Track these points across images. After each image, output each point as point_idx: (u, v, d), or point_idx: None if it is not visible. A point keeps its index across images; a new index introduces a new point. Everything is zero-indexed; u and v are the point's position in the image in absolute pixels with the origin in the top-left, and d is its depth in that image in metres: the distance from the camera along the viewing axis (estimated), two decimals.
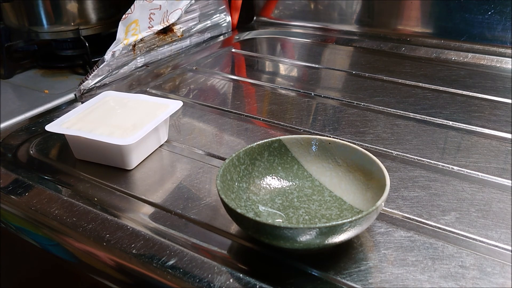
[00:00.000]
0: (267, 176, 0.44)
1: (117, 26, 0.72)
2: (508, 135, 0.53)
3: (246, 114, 0.61)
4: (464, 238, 0.38)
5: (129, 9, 0.72)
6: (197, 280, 0.35)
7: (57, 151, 0.55)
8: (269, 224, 0.33)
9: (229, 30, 0.95)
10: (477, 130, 0.55)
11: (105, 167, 0.50)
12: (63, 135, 0.52)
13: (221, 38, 0.92)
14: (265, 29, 0.96)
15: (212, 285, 0.34)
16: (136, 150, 0.49)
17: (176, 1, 0.79)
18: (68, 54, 0.87)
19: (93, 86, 0.70)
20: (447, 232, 0.39)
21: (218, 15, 0.92)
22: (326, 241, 0.33)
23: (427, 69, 0.73)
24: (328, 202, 0.41)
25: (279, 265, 0.36)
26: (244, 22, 0.98)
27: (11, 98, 0.75)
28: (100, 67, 0.69)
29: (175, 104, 0.54)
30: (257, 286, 0.34)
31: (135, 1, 0.73)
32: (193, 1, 0.82)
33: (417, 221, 0.40)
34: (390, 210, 0.42)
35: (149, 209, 0.43)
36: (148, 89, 0.70)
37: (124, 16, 0.72)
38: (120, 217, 0.42)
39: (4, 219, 0.46)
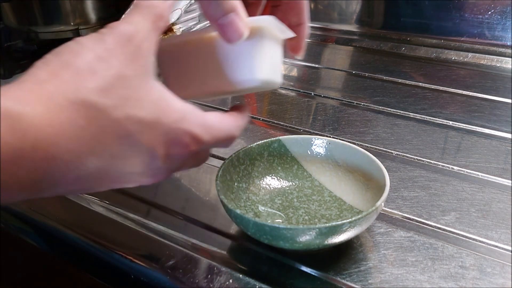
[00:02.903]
0: (267, 176, 0.43)
1: None
2: (508, 135, 0.53)
3: None
4: (464, 238, 0.38)
5: (129, 9, 0.72)
6: (197, 281, 0.35)
7: None
8: (268, 225, 0.33)
9: None
10: (477, 130, 0.55)
11: None
12: None
13: None
14: None
15: (211, 285, 0.34)
16: None
17: (176, 1, 0.79)
18: None
19: None
20: (447, 232, 0.39)
21: None
22: (326, 242, 0.33)
23: (427, 69, 0.73)
24: (327, 202, 0.41)
25: (278, 265, 0.36)
26: None
27: None
28: None
29: None
30: (257, 287, 0.34)
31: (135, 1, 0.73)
32: (192, 1, 0.82)
33: (417, 221, 0.40)
34: (390, 210, 0.42)
35: (149, 209, 0.43)
36: None
37: (124, 16, 0.72)
38: (119, 217, 0.42)
39: (4, 219, 0.46)
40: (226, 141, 0.30)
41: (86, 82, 0.24)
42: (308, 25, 0.38)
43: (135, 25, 0.26)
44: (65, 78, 0.24)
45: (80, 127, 0.23)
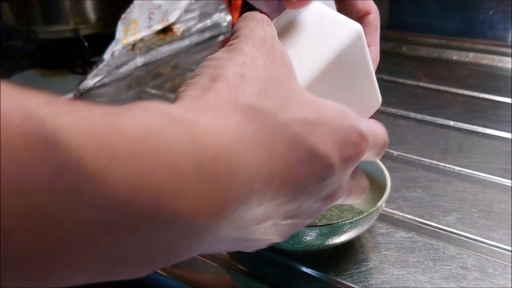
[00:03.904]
0: None
1: (116, 26, 0.72)
2: (509, 135, 0.53)
3: None
4: (465, 239, 0.38)
5: (129, 9, 0.72)
6: (197, 281, 0.35)
7: None
8: None
9: (229, 30, 0.95)
10: (478, 130, 0.55)
11: None
12: None
13: (221, 37, 0.92)
14: None
15: (211, 286, 0.34)
16: None
17: (176, 0, 0.78)
18: (67, 54, 0.87)
19: (92, 86, 0.70)
20: (448, 233, 0.39)
21: (218, 14, 0.91)
22: (327, 242, 0.33)
23: (428, 68, 0.73)
24: None
25: (279, 266, 0.36)
26: None
27: None
28: (99, 67, 0.69)
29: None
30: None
31: (135, 1, 0.73)
32: (193, 1, 0.81)
33: (418, 221, 0.40)
34: (391, 210, 0.41)
35: None
36: (147, 89, 0.70)
37: (123, 16, 0.72)
38: None
39: None
40: (382, 147, 0.27)
41: (242, 88, 0.21)
42: (378, 19, 0.33)
43: (261, 28, 0.24)
44: (219, 88, 0.21)
45: (253, 133, 0.20)
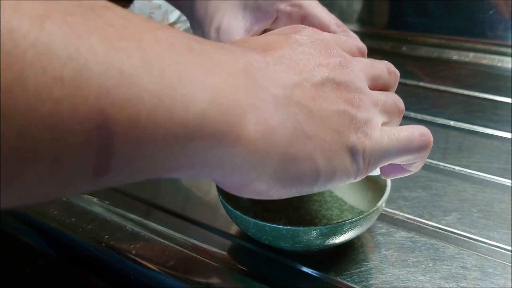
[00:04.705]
0: None
1: None
2: (509, 135, 0.53)
3: None
4: (465, 239, 0.38)
5: (129, 9, 0.72)
6: (197, 281, 0.35)
7: None
8: (269, 225, 0.33)
9: None
10: (478, 130, 0.55)
11: None
12: None
13: None
14: None
15: (211, 286, 0.34)
16: None
17: None
18: None
19: None
20: (448, 233, 0.39)
21: None
22: (327, 242, 0.33)
23: (428, 68, 0.73)
24: (328, 202, 0.41)
25: (279, 266, 0.36)
26: None
27: None
28: None
29: None
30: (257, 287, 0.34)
31: (135, 1, 0.73)
32: None
33: (418, 221, 0.40)
34: (391, 210, 0.42)
35: (149, 210, 0.43)
36: None
37: None
38: (119, 218, 0.42)
39: (3, 219, 0.46)
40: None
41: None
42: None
43: None
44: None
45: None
